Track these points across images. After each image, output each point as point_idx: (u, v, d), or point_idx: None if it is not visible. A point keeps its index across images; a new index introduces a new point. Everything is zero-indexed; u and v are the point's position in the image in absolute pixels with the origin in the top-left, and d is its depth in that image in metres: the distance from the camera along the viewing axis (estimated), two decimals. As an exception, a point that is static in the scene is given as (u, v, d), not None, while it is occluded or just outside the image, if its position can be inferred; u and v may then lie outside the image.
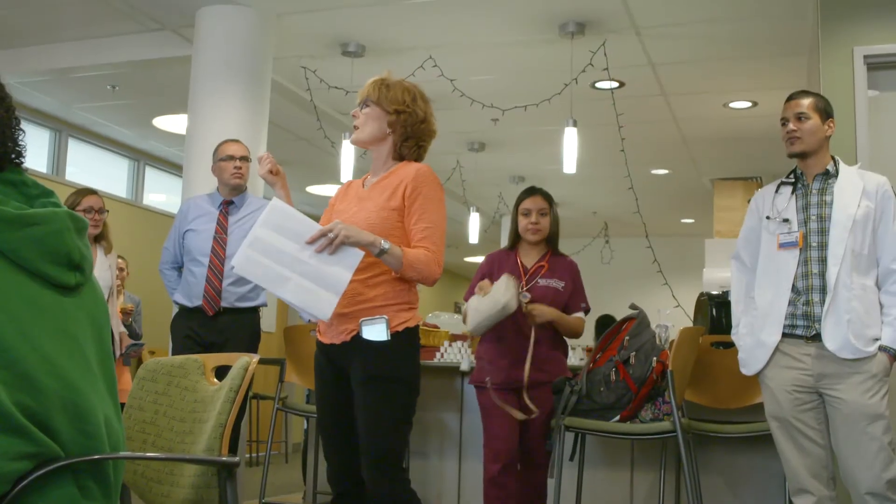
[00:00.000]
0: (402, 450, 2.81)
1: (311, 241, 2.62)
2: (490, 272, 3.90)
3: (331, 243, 2.61)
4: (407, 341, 2.79)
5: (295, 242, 2.63)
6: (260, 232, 2.64)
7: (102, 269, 4.88)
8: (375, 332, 2.71)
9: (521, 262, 3.91)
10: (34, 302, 1.52)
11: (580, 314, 3.90)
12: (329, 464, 2.94)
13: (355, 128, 2.92)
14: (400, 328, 2.75)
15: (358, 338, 2.73)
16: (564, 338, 4.00)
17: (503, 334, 3.80)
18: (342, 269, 2.62)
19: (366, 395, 2.73)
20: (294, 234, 2.64)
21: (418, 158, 2.93)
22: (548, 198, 3.95)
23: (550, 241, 3.96)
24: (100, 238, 4.94)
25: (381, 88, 2.89)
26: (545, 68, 6.31)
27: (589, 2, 5.45)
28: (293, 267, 2.61)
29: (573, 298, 3.89)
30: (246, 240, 2.66)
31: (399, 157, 2.91)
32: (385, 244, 2.67)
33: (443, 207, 2.83)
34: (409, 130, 2.89)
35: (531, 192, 3.96)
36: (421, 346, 5.46)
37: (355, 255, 2.64)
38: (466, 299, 4.02)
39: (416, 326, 2.83)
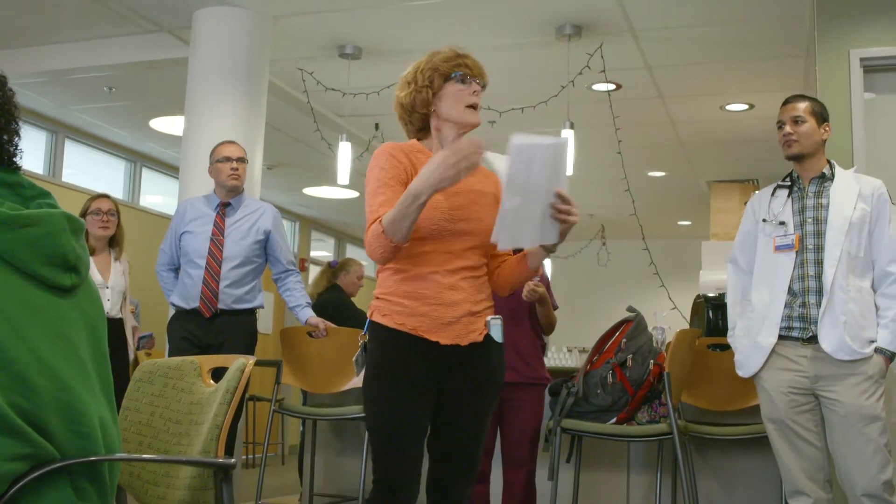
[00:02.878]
0: None
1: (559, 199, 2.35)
2: None
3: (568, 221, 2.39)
4: None
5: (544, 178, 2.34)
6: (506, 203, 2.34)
7: (116, 273, 4.96)
8: (499, 331, 2.51)
9: None
10: (29, 303, 1.51)
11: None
12: (406, 488, 2.49)
13: (475, 105, 2.55)
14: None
15: (488, 338, 2.49)
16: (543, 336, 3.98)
17: None
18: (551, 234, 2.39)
19: (489, 399, 2.55)
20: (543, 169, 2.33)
21: None
22: None
23: None
24: (113, 243, 5.03)
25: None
26: (542, 71, 6.32)
27: (586, 4, 5.46)
28: (539, 198, 2.35)
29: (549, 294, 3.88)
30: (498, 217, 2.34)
31: None
32: None
33: None
34: None
35: None
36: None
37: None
38: None
39: None
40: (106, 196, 5.08)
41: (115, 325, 4.84)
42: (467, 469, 2.55)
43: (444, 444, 2.54)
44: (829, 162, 3.34)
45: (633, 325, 3.91)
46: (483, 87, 2.57)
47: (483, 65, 2.59)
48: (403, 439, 2.47)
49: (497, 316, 2.52)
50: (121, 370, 4.42)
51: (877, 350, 3.13)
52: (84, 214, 4.96)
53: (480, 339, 2.47)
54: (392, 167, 2.48)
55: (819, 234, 3.22)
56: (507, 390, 3.67)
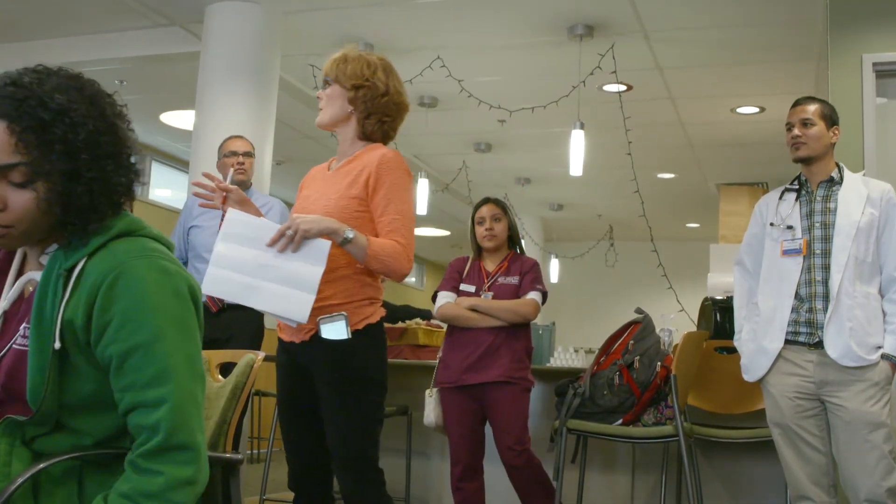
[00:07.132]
0: (374, 452, 2.67)
1: (272, 244, 2.45)
2: (455, 282, 3.95)
3: (291, 241, 2.45)
4: (371, 338, 2.64)
5: (257, 249, 2.46)
6: (221, 247, 2.47)
7: None
8: (335, 330, 2.54)
9: (483, 268, 3.96)
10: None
11: (530, 295, 3.85)
12: (289, 465, 2.79)
13: (320, 110, 2.76)
14: (361, 325, 2.60)
15: (318, 337, 2.57)
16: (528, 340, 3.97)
17: (456, 333, 3.84)
18: (311, 264, 2.45)
19: (333, 396, 2.61)
20: (255, 240, 2.47)
21: (385, 136, 2.77)
22: (500, 204, 4.00)
23: (511, 245, 4.02)
24: None
25: (339, 65, 2.71)
26: (553, 70, 6.32)
27: (598, 5, 5.45)
28: (260, 274, 2.44)
29: (523, 287, 3.89)
30: (210, 260, 2.48)
31: (365, 136, 2.74)
32: (349, 233, 2.51)
33: (410, 196, 2.69)
34: (370, 106, 2.70)
35: (484, 201, 4.03)
36: (423, 345, 5.39)
37: (322, 247, 2.47)
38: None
39: (380, 322, 2.68)
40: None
41: None
42: (342, 463, 2.65)
43: None
44: (837, 165, 3.32)
45: (640, 327, 3.90)
46: (325, 84, 2.75)
47: (332, 57, 2.75)
48: (283, 426, 2.80)
49: (334, 315, 2.55)
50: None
51: (883, 356, 3.11)
52: None
53: (307, 338, 2.61)
54: None
55: (826, 239, 3.20)
56: (489, 390, 3.74)
